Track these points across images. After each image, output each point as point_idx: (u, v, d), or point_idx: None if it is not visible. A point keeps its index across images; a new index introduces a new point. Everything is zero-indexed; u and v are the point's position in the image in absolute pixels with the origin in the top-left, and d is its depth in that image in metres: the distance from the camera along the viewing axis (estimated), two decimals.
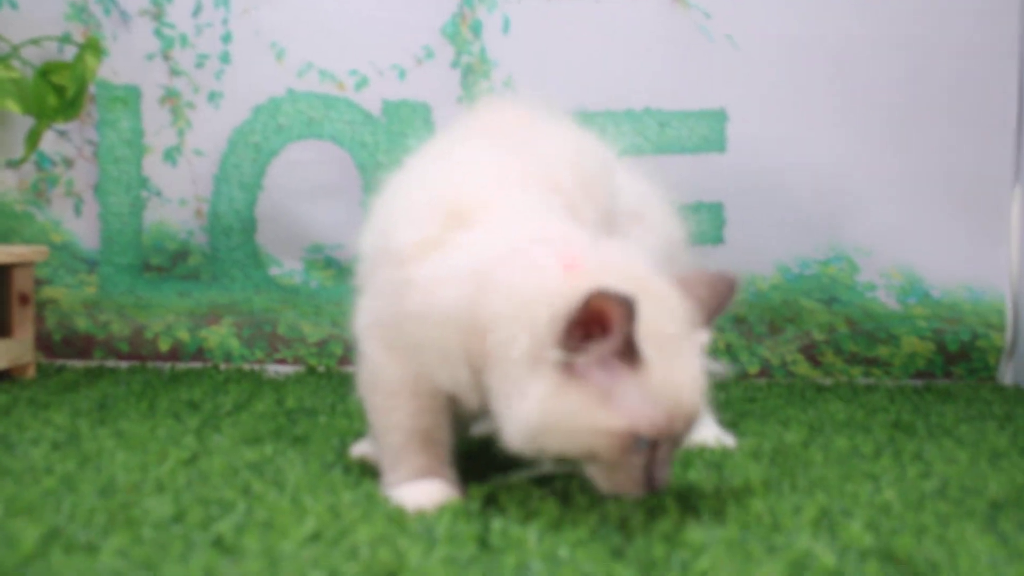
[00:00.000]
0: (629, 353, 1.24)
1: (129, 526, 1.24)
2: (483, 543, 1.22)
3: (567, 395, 1.25)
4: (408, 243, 1.39)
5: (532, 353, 1.26)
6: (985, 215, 2.63)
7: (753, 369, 2.64)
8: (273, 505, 1.34)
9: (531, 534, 1.23)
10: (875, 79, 2.60)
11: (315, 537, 1.21)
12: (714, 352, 2.57)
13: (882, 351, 2.63)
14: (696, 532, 1.25)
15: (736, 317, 2.63)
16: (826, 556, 1.16)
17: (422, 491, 1.39)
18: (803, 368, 2.64)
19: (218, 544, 1.18)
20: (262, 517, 1.28)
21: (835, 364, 2.64)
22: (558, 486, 1.43)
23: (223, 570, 1.08)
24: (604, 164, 1.64)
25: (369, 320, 1.47)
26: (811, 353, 2.64)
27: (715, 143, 2.59)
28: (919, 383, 2.61)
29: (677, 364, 1.28)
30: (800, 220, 2.61)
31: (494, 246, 1.34)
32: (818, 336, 2.63)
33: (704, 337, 1.33)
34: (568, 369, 1.25)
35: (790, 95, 2.60)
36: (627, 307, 1.20)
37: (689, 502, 1.40)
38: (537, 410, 1.25)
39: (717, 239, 2.61)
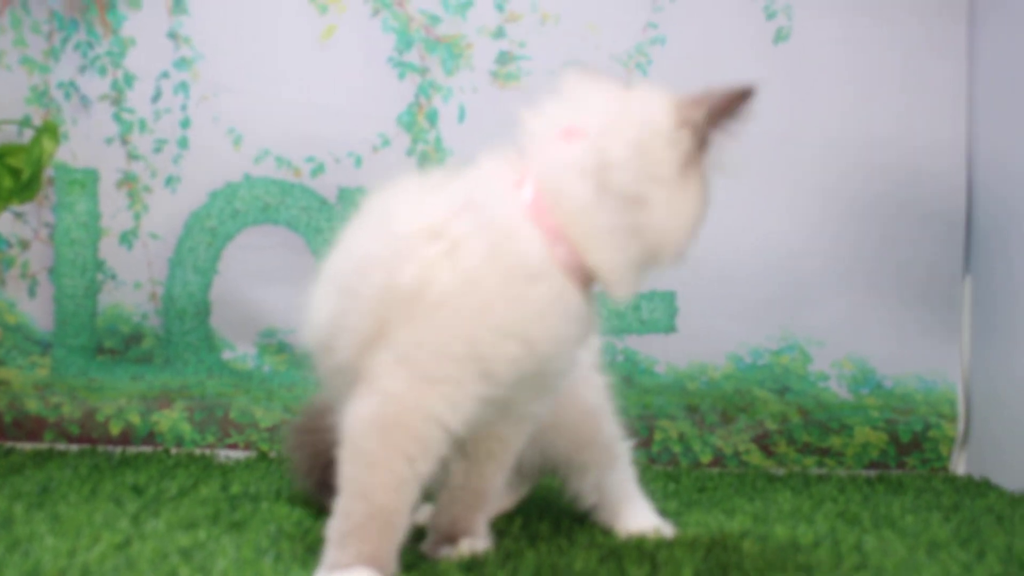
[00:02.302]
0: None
1: None
2: None
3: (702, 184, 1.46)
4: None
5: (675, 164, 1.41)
6: (936, 307, 2.66)
7: (706, 458, 2.64)
8: None
9: None
10: (827, 172, 2.65)
11: None
12: (667, 441, 2.58)
13: (835, 441, 2.63)
14: None
15: (688, 406, 2.63)
16: None
17: None
18: (756, 458, 2.64)
19: None
20: None
21: (788, 454, 2.64)
22: (487, 574, 1.42)
23: None
24: None
25: (395, 358, 1.41)
26: (764, 443, 2.64)
27: None
28: (872, 473, 2.61)
29: None
30: (752, 310, 2.63)
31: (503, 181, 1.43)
32: (771, 426, 2.64)
33: None
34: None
35: (742, 186, 2.62)
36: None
37: None
38: (696, 202, 1.44)
39: (670, 327, 2.62)
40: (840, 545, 1.75)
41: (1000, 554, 1.70)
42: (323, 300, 1.53)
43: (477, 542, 1.60)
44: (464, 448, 1.55)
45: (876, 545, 1.76)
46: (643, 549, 1.68)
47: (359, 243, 1.52)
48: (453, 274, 1.37)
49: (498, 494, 1.65)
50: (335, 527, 1.40)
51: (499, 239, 1.37)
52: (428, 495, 1.67)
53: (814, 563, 1.61)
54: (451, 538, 1.59)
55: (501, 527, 1.78)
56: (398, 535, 1.41)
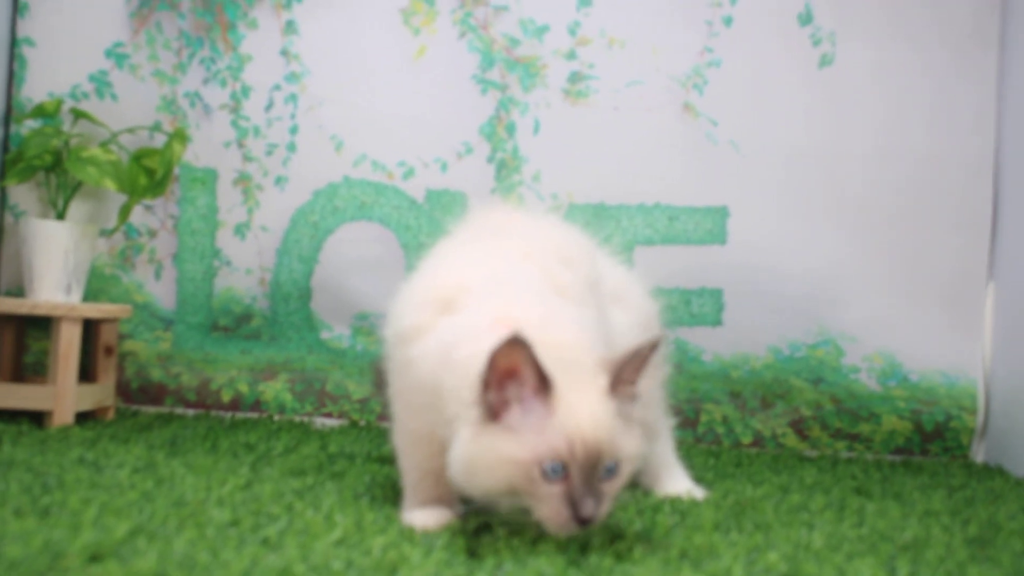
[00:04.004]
0: (543, 386, 1.51)
1: (196, 527, 1.58)
2: (471, 552, 1.54)
3: (484, 435, 1.53)
4: (409, 327, 1.73)
5: (465, 406, 1.56)
6: (961, 309, 2.93)
7: (746, 439, 2.95)
8: (310, 519, 1.67)
9: (511, 547, 1.55)
10: (863, 184, 2.93)
11: (340, 542, 1.55)
12: (712, 423, 2.88)
13: (864, 428, 2.93)
14: (642, 552, 1.57)
15: (732, 392, 2.94)
16: (737, 573, 1.47)
17: (429, 515, 1.72)
18: (792, 440, 2.94)
19: (265, 543, 1.52)
20: (300, 526, 1.62)
21: (821, 438, 2.94)
22: None
23: (267, 559, 1.42)
24: (584, 245, 1.98)
25: (394, 388, 1.82)
26: (799, 427, 2.94)
27: (717, 236, 2.93)
28: (897, 458, 2.90)
29: (578, 400, 1.53)
30: (792, 308, 2.93)
31: (459, 328, 1.64)
32: (806, 412, 2.93)
33: (603, 382, 1.56)
34: (491, 415, 1.53)
35: (786, 196, 2.93)
36: (522, 346, 1.48)
37: (646, 535, 1.72)
38: (463, 451, 1.54)
39: (716, 321, 2.93)
40: (845, 510, 2.05)
41: (981, 522, 1.98)
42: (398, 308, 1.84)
43: None
44: None
45: (875, 510, 2.06)
46: (675, 506, 1.99)
47: (415, 283, 1.84)
48: (417, 348, 1.69)
49: None
50: (404, 491, 1.80)
51: (430, 361, 1.65)
52: None
53: (817, 521, 1.92)
54: None
55: None
56: (450, 485, 1.72)
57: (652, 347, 1.60)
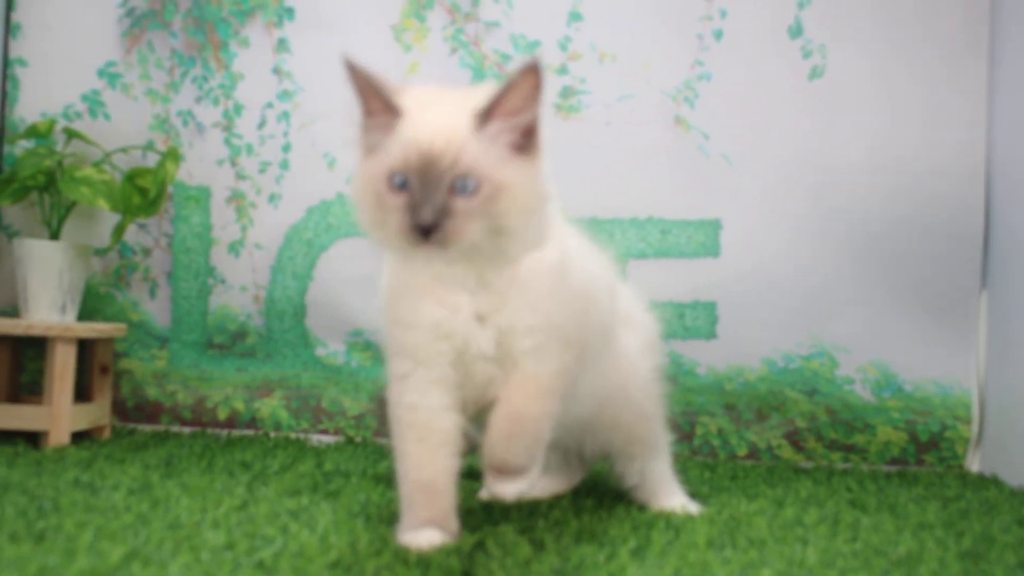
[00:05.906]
0: (390, 109, 1.59)
1: (191, 551, 1.58)
2: (466, 573, 1.55)
3: (360, 165, 1.63)
4: None
5: None
6: (954, 318, 2.94)
7: (742, 452, 2.95)
8: (305, 541, 1.68)
9: (504, 567, 1.56)
10: (855, 196, 2.94)
11: (335, 564, 1.55)
12: (707, 436, 2.88)
13: (859, 439, 2.93)
14: (635, 570, 1.57)
15: (727, 404, 2.95)
16: None
17: (424, 537, 1.71)
18: (787, 452, 2.95)
19: (260, 566, 1.52)
20: (295, 549, 1.63)
21: (816, 449, 2.94)
22: (537, 536, 1.76)
23: None
24: (606, 260, 1.97)
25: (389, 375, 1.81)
26: (794, 439, 2.95)
27: (710, 249, 2.94)
28: (893, 469, 2.91)
29: (427, 114, 1.58)
30: (786, 319, 2.94)
31: None
32: (801, 424, 2.94)
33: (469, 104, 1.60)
34: (369, 151, 1.61)
35: (778, 208, 2.94)
36: (352, 67, 1.60)
37: (640, 552, 1.72)
38: (352, 186, 1.65)
39: (711, 334, 2.94)
40: (839, 524, 2.05)
41: (975, 535, 1.99)
42: None
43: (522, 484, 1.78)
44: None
45: (869, 524, 2.06)
46: (670, 521, 2.00)
47: None
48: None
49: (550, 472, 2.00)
50: (402, 502, 1.77)
51: None
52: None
53: (811, 536, 1.92)
54: (501, 471, 1.76)
55: (552, 502, 2.12)
56: (444, 499, 1.74)
57: (523, 72, 1.60)
